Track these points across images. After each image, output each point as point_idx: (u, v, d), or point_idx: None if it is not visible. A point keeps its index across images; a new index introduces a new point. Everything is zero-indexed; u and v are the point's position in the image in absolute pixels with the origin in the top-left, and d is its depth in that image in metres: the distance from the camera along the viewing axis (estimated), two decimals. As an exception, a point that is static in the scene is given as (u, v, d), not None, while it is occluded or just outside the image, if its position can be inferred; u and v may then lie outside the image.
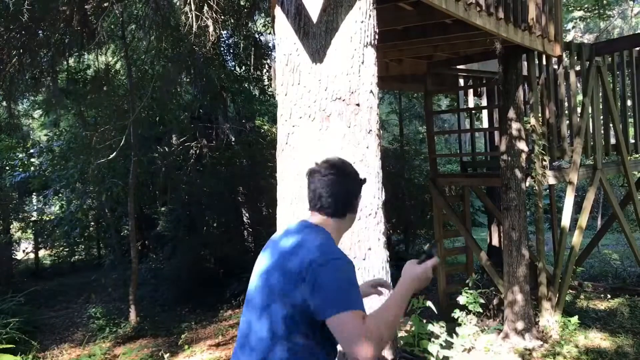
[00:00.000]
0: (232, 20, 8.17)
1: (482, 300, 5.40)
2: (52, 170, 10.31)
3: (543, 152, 5.43)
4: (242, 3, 8.14)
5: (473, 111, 8.61)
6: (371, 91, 2.72)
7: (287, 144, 2.76)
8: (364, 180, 1.77)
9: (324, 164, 1.70)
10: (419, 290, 1.63)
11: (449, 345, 4.69)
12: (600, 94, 6.44)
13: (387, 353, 2.67)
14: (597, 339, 5.16)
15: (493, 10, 4.35)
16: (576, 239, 5.93)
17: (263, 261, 1.66)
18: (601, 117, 6.53)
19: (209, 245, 8.81)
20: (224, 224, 9.38)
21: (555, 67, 6.14)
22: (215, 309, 7.59)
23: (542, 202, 5.72)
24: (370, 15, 2.75)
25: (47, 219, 12.05)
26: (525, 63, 5.86)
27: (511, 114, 5.42)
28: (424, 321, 4.55)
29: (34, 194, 12.28)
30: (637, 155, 7.96)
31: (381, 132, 2.84)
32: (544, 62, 5.87)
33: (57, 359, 6.07)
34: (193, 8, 5.31)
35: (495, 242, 8.77)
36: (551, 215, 7.41)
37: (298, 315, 1.48)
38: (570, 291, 6.65)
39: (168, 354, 5.35)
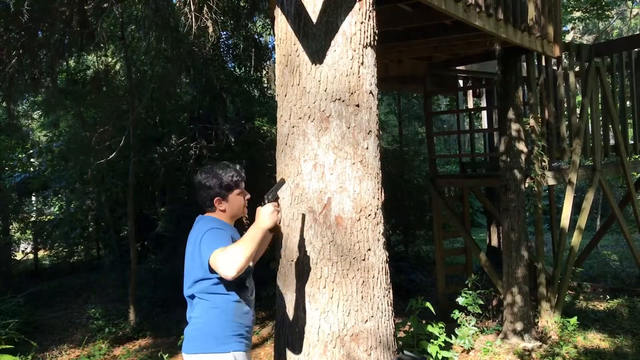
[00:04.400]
0: (231, 21, 8.18)
1: (481, 301, 5.42)
2: (52, 171, 10.30)
3: (542, 152, 5.44)
4: (241, 4, 8.15)
5: (472, 112, 8.62)
6: (371, 92, 2.73)
7: (286, 145, 2.76)
8: (225, 184, 2.41)
9: (197, 174, 2.47)
10: (269, 225, 2.24)
11: (448, 346, 4.70)
12: (600, 95, 6.45)
13: (385, 356, 2.67)
14: (596, 339, 5.17)
15: (492, 11, 4.36)
16: (575, 239, 5.93)
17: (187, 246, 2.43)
18: (600, 118, 6.55)
19: (209, 245, 8.78)
20: (223, 224, 9.34)
21: (555, 68, 6.16)
22: (214, 309, 7.56)
23: (541, 202, 5.72)
24: (370, 16, 2.76)
25: (47, 219, 12.03)
26: (524, 64, 5.87)
27: (510, 114, 5.42)
28: (423, 322, 4.56)
29: (34, 194, 12.26)
30: (637, 156, 7.98)
31: (380, 132, 2.84)
32: (543, 63, 5.89)
33: (56, 359, 6.06)
34: (192, 9, 5.31)
35: (494, 242, 8.78)
36: (550, 216, 7.42)
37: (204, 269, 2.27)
38: (570, 292, 6.66)
39: (167, 355, 5.34)
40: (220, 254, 2.13)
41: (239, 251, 2.11)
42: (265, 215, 2.24)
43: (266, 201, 2.33)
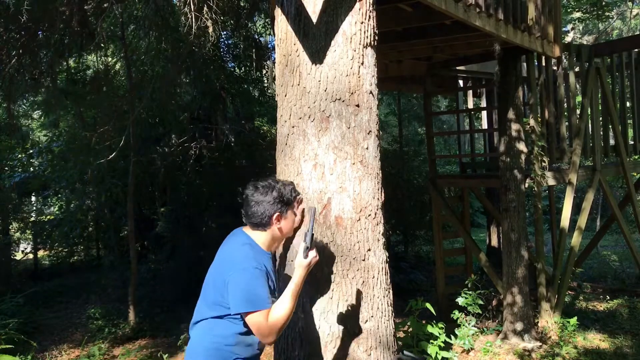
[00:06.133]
0: (231, 21, 8.18)
1: (481, 302, 5.41)
2: (52, 171, 10.30)
3: (542, 153, 5.44)
4: (241, 4, 8.15)
5: (472, 112, 8.62)
6: (371, 92, 2.72)
7: (286, 145, 2.76)
8: (286, 200, 2.19)
9: (251, 187, 2.21)
10: (307, 271, 2.13)
11: (447, 346, 4.70)
12: (600, 95, 6.45)
13: (385, 356, 2.67)
14: (596, 340, 5.17)
15: (492, 11, 4.36)
16: (575, 240, 5.93)
17: (216, 259, 2.21)
18: (600, 118, 6.55)
19: (208, 245, 8.78)
20: (223, 224, 9.36)
21: (555, 68, 6.16)
22: (214, 309, 7.57)
23: (541, 203, 5.72)
24: (370, 17, 2.76)
25: (47, 219, 12.03)
26: (524, 64, 5.87)
27: (510, 114, 5.42)
28: (423, 322, 4.55)
29: (33, 194, 12.26)
30: (637, 157, 7.99)
31: (380, 133, 2.84)
32: (543, 63, 5.89)
33: (56, 359, 6.06)
34: (193, 9, 5.31)
35: (494, 243, 8.78)
36: (550, 216, 7.43)
37: (221, 299, 2.08)
38: (570, 292, 6.66)
39: (167, 355, 5.34)
40: (263, 321, 1.99)
41: (283, 317, 2.01)
42: (306, 270, 2.13)
43: (305, 249, 2.14)
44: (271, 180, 2.22)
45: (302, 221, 2.42)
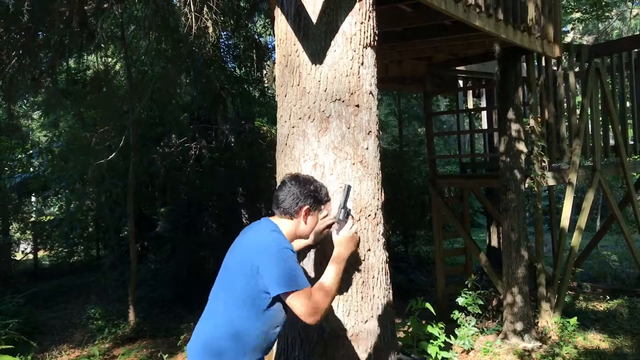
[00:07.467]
0: (231, 22, 8.18)
1: (481, 302, 5.41)
2: (52, 171, 10.30)
3: (542, 153, 5.44)
4: (241, 4, 8.15)
5: (472, 112, 8.63)
6: (371, 92, 2.73)
7: (286, 145, 2.76)
8: (319, 198, 2.20)
9: (290, 176, 2.24)
10: (350, 251, 2.20)
11: (447, 347, 4.70)
12: (600, 95, 6.45)
13: (385, 356, 2.67)
14: (596, 340, 5.17)
15: (492, 11, 4.36)
16: (575, 240, 5.93)
17: (236, 246, 2.17)
18: (600, 118, 6.55)
19: (208, 245, 8.81)
20: (223, 224, 9.38)
21: (555, 68, 6.16)
22: (214, 309, 7.56)
23: (541, 203, 5.73)
24: (370, 17, 2.76)
25: (47, 219, 12.03)
26: (524, 64, 5.87)
27: (510, 115, 5.43)
28: (423, 322, 4.56)
29: (33, 194, 12.26)
30: (636, 157, 7.99)
31: (380, 133, 2.84)
32: (543, 64, 5.89)
33: (56, 359, 6.06)
34: (193, 9, 5.31)
35: (494, 243, 8.77)
36: (550, 217, 7.42)
37: (250, 287, 2.02)
38: (569, 292, 6.66)
39: (167, 355, 5.34)
40: (306, 300, 1.95)
41: (327, 297, 2.00)
42: (345, 245, 2.14)
43: (337, 223, 2.18)
44: (311, 178, 2.27)
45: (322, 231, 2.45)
